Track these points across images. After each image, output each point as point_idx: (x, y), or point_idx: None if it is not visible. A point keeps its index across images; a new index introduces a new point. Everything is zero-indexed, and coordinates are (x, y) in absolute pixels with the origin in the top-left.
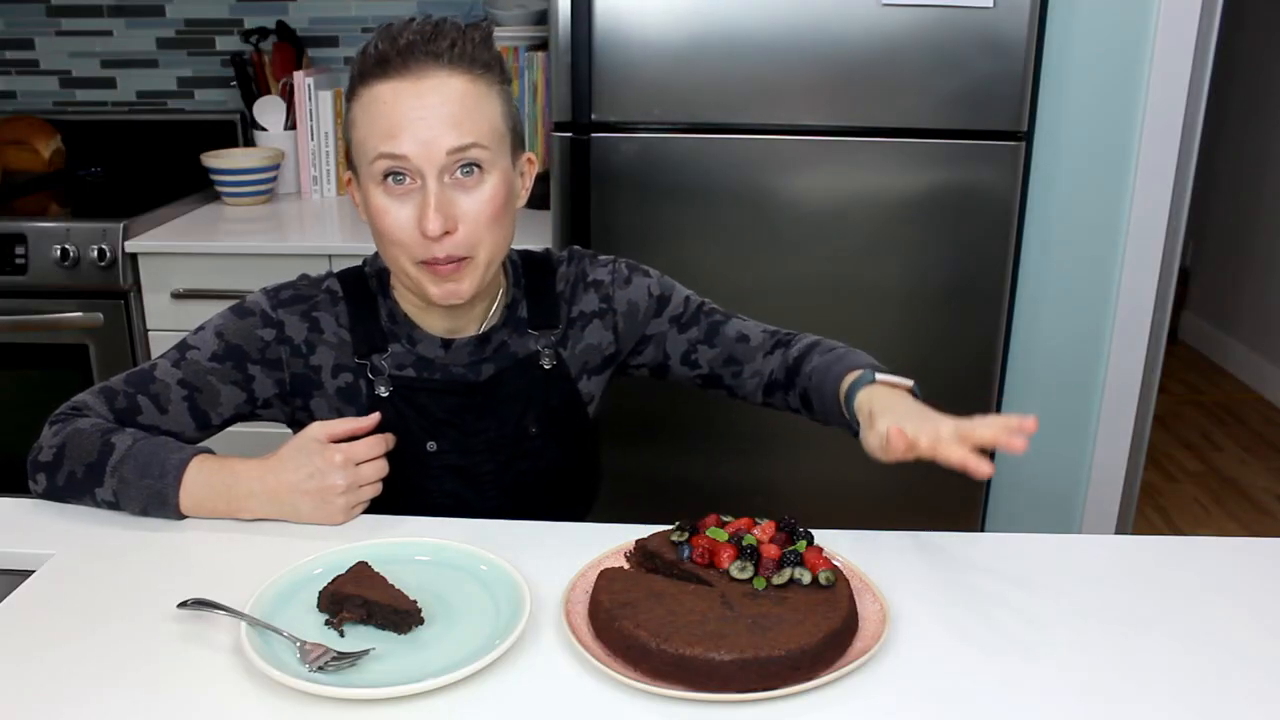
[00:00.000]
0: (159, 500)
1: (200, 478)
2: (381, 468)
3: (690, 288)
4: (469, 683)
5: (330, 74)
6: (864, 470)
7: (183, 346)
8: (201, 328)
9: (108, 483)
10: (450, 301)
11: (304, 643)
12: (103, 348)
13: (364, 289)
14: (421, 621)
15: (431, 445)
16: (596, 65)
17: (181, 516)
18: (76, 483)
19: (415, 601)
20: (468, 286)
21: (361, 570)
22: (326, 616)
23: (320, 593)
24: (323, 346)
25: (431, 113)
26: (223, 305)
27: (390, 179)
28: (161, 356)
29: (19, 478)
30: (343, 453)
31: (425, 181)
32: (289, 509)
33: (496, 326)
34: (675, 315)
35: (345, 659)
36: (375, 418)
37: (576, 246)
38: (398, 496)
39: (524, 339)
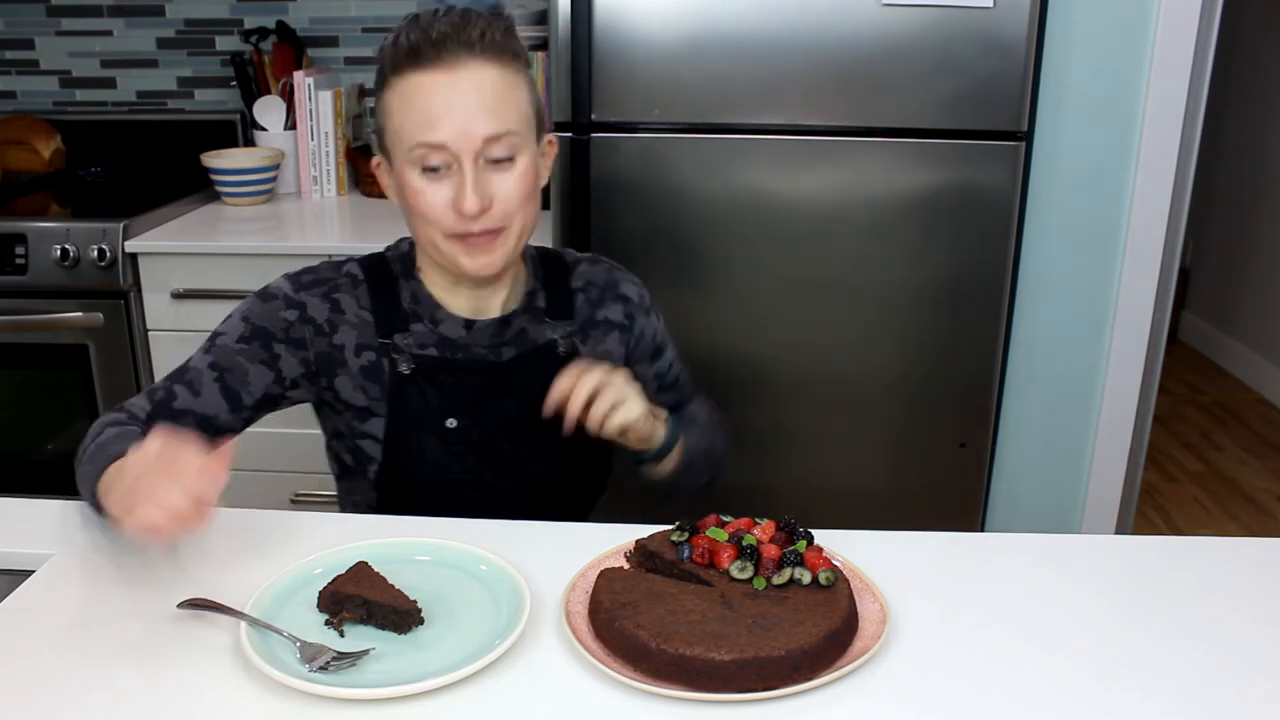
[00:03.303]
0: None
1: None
2: (180, 503)
3: (690, 289)
4: (469, 683)
5: (330, 74)
6: (864, 470)
7: (212, 336)
8: (229, 316)
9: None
10: (483, 272)
11: (304, 643)
12: (103, 348)
13: (386, 272)
14: (421, 621)
15: (451, 422)
16: (596, 65)
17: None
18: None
19: (415, 601)
20: (499, 257)
21: (361, 570)
22: (326, 616)
23: (320, 593)
24: (345, 326)
25: (467, 101)
26: (223, 305)
27: (427, 168)
28: (196, 350)
29: (20, 478)
30: (188, 480)
31: (461, 165)
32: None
33: (516, 312)
34: (660, 372)
35: (345, 659)
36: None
37: (600, 256)
38: (421, 471)
39: (541, 327)
